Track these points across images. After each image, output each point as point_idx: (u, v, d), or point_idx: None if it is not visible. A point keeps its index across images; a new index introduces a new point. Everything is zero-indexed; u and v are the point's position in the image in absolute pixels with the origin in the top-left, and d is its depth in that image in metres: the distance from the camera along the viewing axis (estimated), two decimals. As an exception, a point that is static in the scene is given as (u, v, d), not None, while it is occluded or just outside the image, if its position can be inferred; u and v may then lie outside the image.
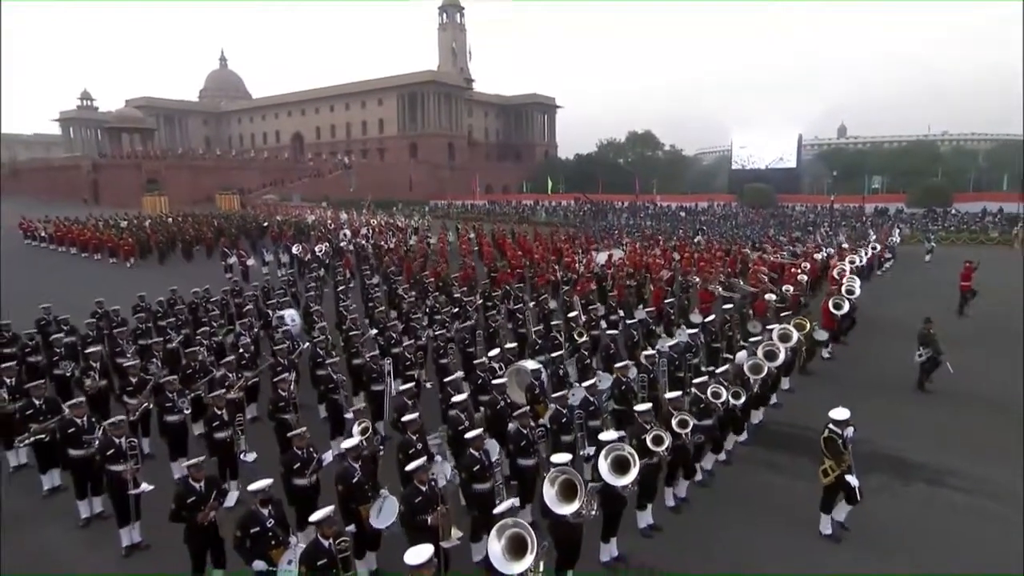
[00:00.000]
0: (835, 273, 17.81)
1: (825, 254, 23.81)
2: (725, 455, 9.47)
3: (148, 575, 7.13)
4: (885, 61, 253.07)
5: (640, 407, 7.59)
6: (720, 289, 16.85)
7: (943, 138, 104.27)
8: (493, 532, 5.35)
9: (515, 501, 5.98)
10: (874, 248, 25.59)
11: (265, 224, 39.70)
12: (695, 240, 32.74)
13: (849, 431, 7.41)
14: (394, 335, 12.96)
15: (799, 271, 18.34)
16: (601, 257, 23.76)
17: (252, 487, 5.89)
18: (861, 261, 21.73)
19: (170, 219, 39.67)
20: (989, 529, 7.83)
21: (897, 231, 36.39)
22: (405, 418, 7.60)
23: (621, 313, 14.92)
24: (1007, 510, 8.20)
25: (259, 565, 5.73)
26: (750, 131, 64.24)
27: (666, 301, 15.43)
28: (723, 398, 8.46)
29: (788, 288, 16.09)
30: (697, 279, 18.58)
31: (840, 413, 7.46)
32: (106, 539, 7.79)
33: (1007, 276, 23.85)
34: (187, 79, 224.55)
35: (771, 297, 14.86)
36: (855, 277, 16.58)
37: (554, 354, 10.62)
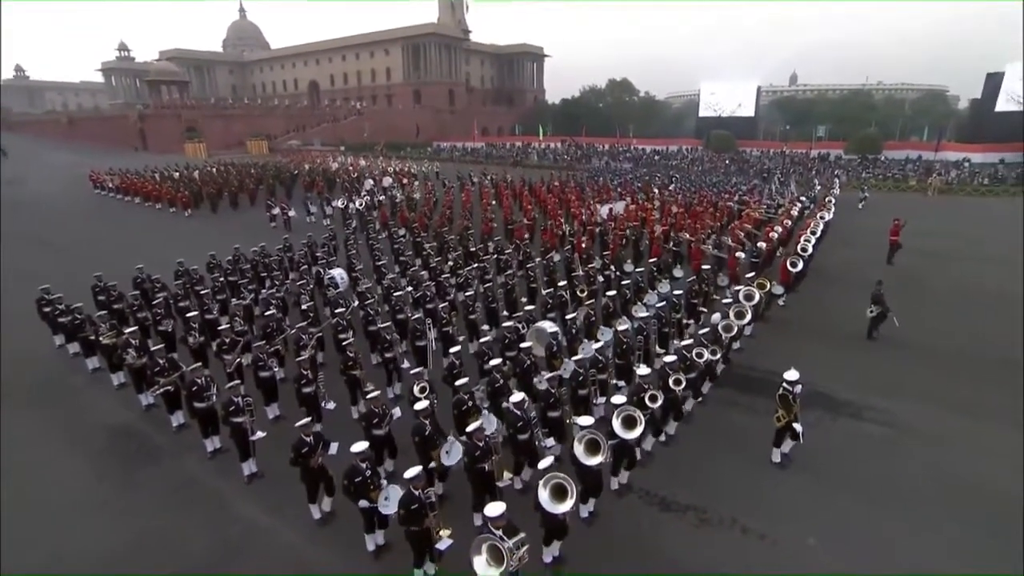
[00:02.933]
0: (809, 232, 17.18)
1: (799, 208, 23.35)
2: (701, 397, 10.11)
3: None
4: (838, 11, 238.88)
5: (642, 371, 8.21)
6: (711, 248, 16.37)
7: (878, 87, 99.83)
8: (540, 482, 6.12)
9: (552, 459, 6.69)
10: (833, 199, 25.16)
11: (296, 172, 38.81)
12: (670, 188, 32.10)
13: (798, 388, 8.16)
14: (428, 293, 13.18)
15: (779, 227, 18.06)
16: (604, 210, 22.95)
17: (354, 449, 6.53)
18: (829, 216, 21.36)
19: (214, 169, 38.64)
20: (896, 457, 8.68)
21: (837, 181, 35.84)
22: (458, 383, 8.23)
23: (613, 268, 15.02)
24: (910, 439, 9.05)
25: (363, 503, 6.56)
26: (716, 81, 62.05)
27: (650, 260, 15.42)
28: (705, 358, 9.16)
29: (762, 245, 15.91)
30: (688, 236, 17.72)
31: (792, 375, 8.13)
32: (230, 468, 8.53)
33: (923, 224, 24.12)
34: (210, 27, 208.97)
35: (741, 255, 15.14)
36: (812, 236, 16.45)
37: (568, 316, 10.96)
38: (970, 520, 7.25)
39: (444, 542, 6.19)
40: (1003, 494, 7.68)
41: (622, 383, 9.58)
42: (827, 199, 25.06)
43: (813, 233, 16.96)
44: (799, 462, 8.45)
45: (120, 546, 7.24)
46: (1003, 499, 7.59)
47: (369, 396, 8.03)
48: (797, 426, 8.13)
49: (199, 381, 8.78)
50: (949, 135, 52.40)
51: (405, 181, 34.85)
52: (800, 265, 14.32)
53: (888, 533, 7.10)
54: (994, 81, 45.72)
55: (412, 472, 6.10)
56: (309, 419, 7.37)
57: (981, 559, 6.67)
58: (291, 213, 25.73)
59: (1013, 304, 14.57)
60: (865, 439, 9.19)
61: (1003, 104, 45.33)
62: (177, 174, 36.14)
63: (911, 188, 38.18)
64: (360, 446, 6.61)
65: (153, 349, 9.72)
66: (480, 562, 5.35)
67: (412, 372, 8.87)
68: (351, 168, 42.02)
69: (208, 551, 7.11)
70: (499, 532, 5.39)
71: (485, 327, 12.27)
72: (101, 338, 10.84)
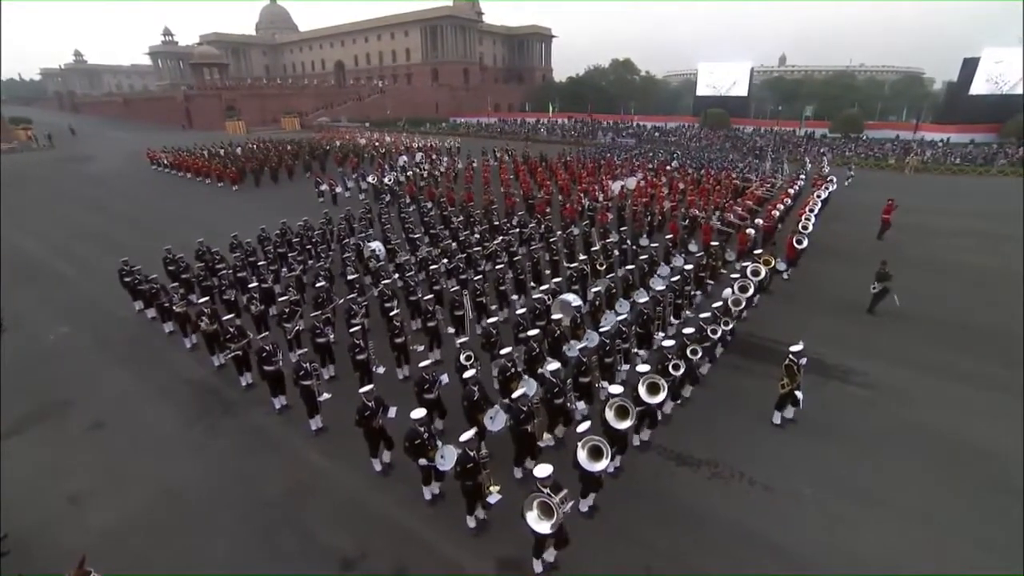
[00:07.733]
0: (807, 209, 16.59)
1: (798, 187, 22.56)
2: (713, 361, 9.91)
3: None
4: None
5: (667, 343, 8.10)
6: (720, 224, 15.76)
7: (860, 69, 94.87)
8: (579, 444, 6.14)
9: (588, 423, 6.66)
10: (834, 178, 24.25)
11: (328, 148, 37.92)
12: (672, 164, 30.96)
13: (803, 360, 8.04)
14: (461, 265, 13.00)
15: (780, 204, 17.42)
16: (616, 186, 22.08)
17: (413, 415, 6.55)
18: (825, 195, 20.71)
19: (254, 146, 37.88)
20: (874, 414, 8.68)
21: (826, 160, 34.45)
22: (503, 351, 8.12)
23: (630, 243, 14.54)
24: (884, 397, 9.07)
25: (422, 462, 6.62)
26: (712, 62, 59.46)
27: (667, 237, 14.74)
28: (719, 333, 9.04)
29: (759, 222, 15.37)
30: (697, 212, 16.88)
31: (797, 347, 8.01)
32: (298, 423, 8.65)
33: (904, 200, 23.24)
34: (244, 11, 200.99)
35: (751, 231, 14.68)
36: (812, 215, 15.84)
37: (593, 290, 10.69)
38: (944, 471, 7.39)
39: (493, 496, 6.28)
40: (981, 449, 7.79)
41: (642, 351, 9.50)
42: (827, 177, 24.06)
43: (811, 211, 16.38)
44: (799, 422, 8.41)
45: (215, 481, 7.51)
46: (979, 452, 7.71)
47: (421, 365, 7.99)
48: (799, 394, 8.08)
49: (267, 347, 8.81)
50: (924, 116, 50.49)
51: (434, 157, 34.03)
52: (805, 242, 13.82)
53: (869, 482, 7.22)
54: (970, 66, 43.84)
55: (467, 435, 6.14)
56: (371, 386, 7.34)
57: (933, 499, 6.86)
58: (338, 189, 25.13)
59: (994, 276, 14.22)
60: (847, 400, 9.11)
61: (977, 88, 43.61)
62: (222, 151, 35.48)
63: (890, 166, 36.86)
64: (418, 413, 6.63)
65: (224, 318, 9.71)
66: (533, 517, 5.42)
67: (459, 342, 8.76)
68: (378, 144, 41.06)
69: (286, 489, 7.32)
70: (547, 490, 5.44)
71: (514, 297, 12.09)
72: (174, 307, 10.87)
